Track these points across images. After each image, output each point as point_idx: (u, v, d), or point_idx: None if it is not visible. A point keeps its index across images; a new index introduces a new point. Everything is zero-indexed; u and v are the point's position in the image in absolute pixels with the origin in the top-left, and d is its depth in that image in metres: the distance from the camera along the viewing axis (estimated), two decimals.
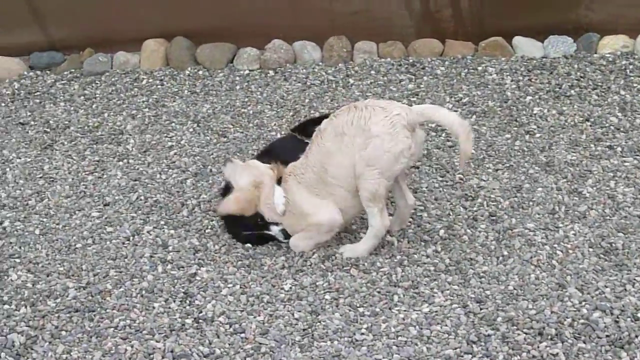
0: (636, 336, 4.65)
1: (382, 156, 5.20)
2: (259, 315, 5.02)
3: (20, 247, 5.83)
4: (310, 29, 8.42)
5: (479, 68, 7.92)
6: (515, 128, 6.90)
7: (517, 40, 8.19)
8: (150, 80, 8.22)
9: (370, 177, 5.23)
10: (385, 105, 5.31)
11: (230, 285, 5.28)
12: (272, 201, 5.55)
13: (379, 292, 5.16)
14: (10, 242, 5.88)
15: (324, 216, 5.46)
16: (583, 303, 4.93)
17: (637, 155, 6.42)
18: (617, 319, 4.79)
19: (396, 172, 5.28)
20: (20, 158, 7.01)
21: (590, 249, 5.43)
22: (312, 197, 5.45)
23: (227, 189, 5.80)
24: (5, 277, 5.50)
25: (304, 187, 5.46)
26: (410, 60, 8.15)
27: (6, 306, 5.21)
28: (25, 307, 5.19)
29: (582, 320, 4.80)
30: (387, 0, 8.36)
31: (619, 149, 6.53)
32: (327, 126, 5.36)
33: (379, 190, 5.26)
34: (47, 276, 5.48)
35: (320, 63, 8.32)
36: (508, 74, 7.77)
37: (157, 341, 4.85)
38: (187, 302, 5.17)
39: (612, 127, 6.83)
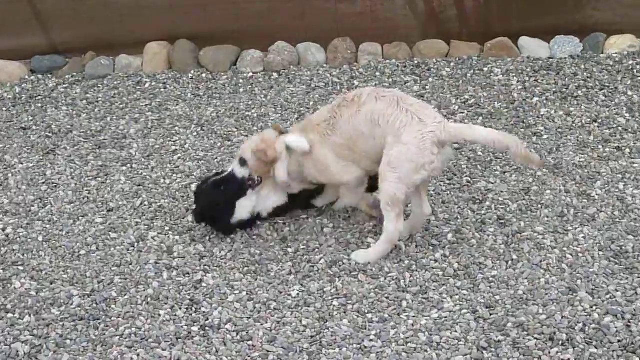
0: None
1: (404, 163, 5.20)
2: (266, 323, 4.97)
3: (23, 255, 5.76)
4: (314, 30, 8.36)
5: (485, 69, 7.85)
6: (523, 130, 6.83)
7: (523, 40, 8.12)
8: (153, 84, 8.15)
9: (390, 179, 5.23)
10: (425, 117, 5.26)
11: (236, 292, 5.23)
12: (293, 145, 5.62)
13: (387, 297, 5.10)
14: (14, 249, 5.81)
15: (350, 176, 5.55)
16: (594, 307, 4.89)
17: None
18: (629, 324, 4.76)
19: (416, 181, 5.26)
20: (22, 163, 6.94)
21: (600, 253, 5.37)
22: (336, 158, 5.51)
23: None
24: (9, 285, 5.44)
25: (329, 147, 5.51)
26: (416, 62, 8.08)
27: (10, 315, 5.16)
28: (29, 315, 5.14)
29: (593, 325, 4.75)
30: (391, 2, 8.29)
31: (628, 150, 6.47)
32: (366, 101, 5.38)
33: (397, 195, 5.24)
34: (51, 284, 5.43)
35: (325, 65, 8.25)
36: (514, 74, 7.70)
37: (163, 349, 4.82)
38: (194, 309, 5.12)
39: (620, 128, 6.76)
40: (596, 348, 4.62)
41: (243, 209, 5.76)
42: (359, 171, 5.54)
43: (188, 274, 5.43)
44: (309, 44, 8.37)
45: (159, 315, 5.08)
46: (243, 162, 5.69)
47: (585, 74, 7.62)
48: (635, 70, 7.61)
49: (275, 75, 8.15)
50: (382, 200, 5.34)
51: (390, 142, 5.24)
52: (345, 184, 5.62)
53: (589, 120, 6.91)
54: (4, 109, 7.94)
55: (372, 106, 5.34)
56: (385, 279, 5.26)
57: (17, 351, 4.85)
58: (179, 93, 7.95)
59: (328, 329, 4.89)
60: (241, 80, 8.08)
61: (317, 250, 5.59)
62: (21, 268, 5.61)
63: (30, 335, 4.98)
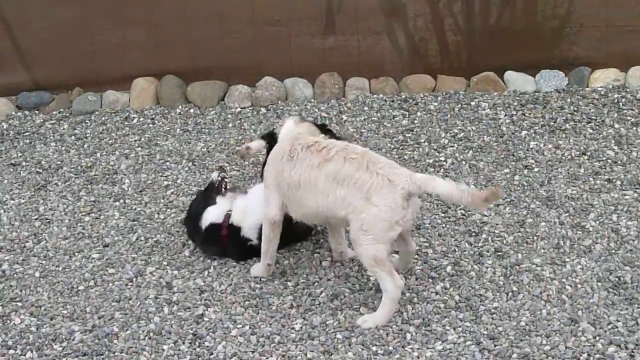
0: None
1: (377, 224, 5.06)
2: (272, 356, 4.96)
3: (21, 291, 5.72)
4: (301, 65, 8.40)
5: (472, 103, 7.93)
6: (513, 162, 6.90)
7: (509, 75, 8.20)
8: (141, 119, 8.15)
9: (365, 242, 5.08)
10: (395, 177, 5.08)
11: (239, 326, 5.21)
12: None
13: (391, 330, 5.10)
14: (11, 286, 5.78)
15: (274, 200, 5.49)
16: (597, 338, 4.92)
17: (637, 189, 6.43)
18: (633, 353, 4.79)
19: (392, 237, 5.12)
20: (14, 199, 6.91)
21: (599, 283, 5.41)
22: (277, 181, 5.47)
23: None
24: (8, 322, 5.40)
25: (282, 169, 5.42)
26: (403, 96, 8.14)
27: (11, 351, 5.13)
28: (32, 351, 5.11)
29: (597, 355, 4.78)
30: (377, 36, 8.36)
31: (618, 182, 6.53)
32: (333, 158, 5.19)
33: (377, 255, 5.08)
34: (51, 319, 5.40)
35: (313, 100, 8.29)
36: (501, 108, 7.78)
37: None
38: (197, 343, 5.10)
39: (609, 161, 6.83)
40: None
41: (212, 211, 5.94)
42: (280, 212, 5.49)
43: (189, 308, 5.42)
44: (296, 79, 8.41)
45: (163, 350, 5.06)
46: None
47: (571, 107, 7.71)
48: (620, 104, 7.71)
49: (263, 110, 8.18)
50: (365, 264, 5.18)
51: (359, 205, 5.09)
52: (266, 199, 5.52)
53: (578, 153, 6.98)
54: None
55: (339, 165, 5.18)
56: None
57: None
58: (168, 128, 7.95)
59: None
60: (229, 115, 8.11)
61: (317, 283, 5.59)
62: (20, 304, 5.57)
63: None
